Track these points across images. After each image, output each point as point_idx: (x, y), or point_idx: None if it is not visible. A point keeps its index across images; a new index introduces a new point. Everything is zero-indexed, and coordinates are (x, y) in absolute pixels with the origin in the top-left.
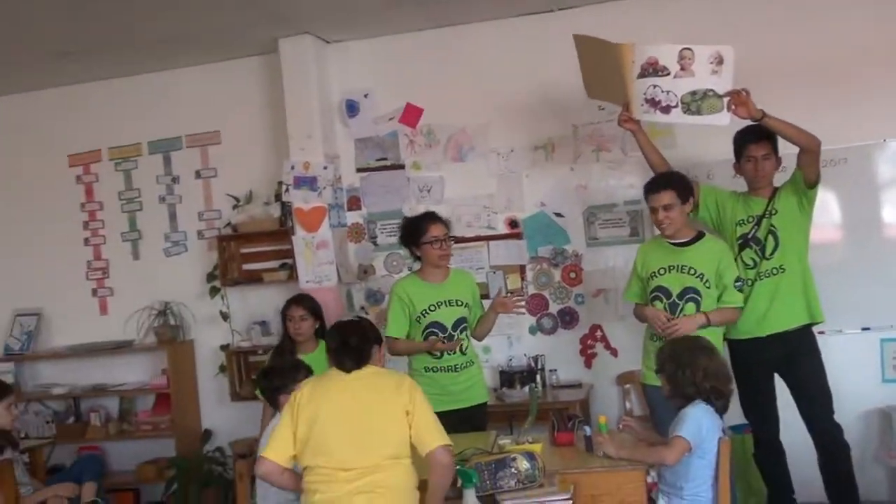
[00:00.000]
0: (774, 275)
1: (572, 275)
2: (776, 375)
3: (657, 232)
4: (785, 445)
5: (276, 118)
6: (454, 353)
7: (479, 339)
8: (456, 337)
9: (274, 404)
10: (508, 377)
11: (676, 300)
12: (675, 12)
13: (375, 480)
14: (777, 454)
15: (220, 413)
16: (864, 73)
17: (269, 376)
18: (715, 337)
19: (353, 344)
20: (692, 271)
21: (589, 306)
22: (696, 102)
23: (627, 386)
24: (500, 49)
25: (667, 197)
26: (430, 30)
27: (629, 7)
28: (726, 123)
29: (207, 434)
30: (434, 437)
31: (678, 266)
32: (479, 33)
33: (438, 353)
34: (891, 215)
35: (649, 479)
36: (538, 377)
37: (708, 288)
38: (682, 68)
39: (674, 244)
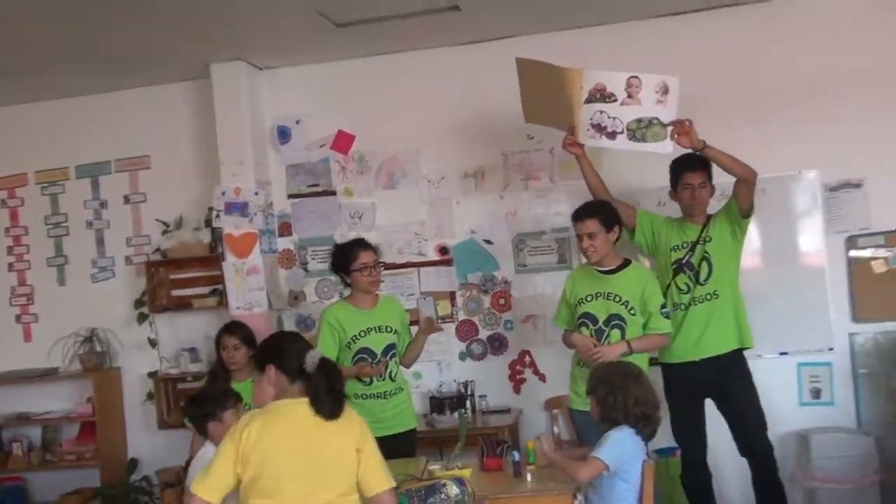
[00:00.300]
0: (708, 300)
1: (501, 301)
2: (707, 400)
3: (584, 259)
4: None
5: (207, 143)
6: (383, 379)
7: (408, 365)
8: (383, 362)
9: (202, 432)
10: (438, 403)
11: (602, 326)
12: (593, 43)
13: None
14: (705, 477)
15: (148, 441)
16: (781, 107)
17: (197, 403)
18: (640, 363)
19: (339, 390)
20: (617, 298)
21: (518, 332)
22: (641, 130)
23: (555, 411)
24: (431, 77)
25: (591, 225)
26: (362, 58)
27: (557, 39)
28: (669, 152)
29: (133, 463)
30: (382, 481)
31: (604, 293)
32: (411, 61)
33: (368, 380)
34: (806, 243)
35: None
36: (468, 403)
37: (633, 315)
38: (629, 96)
39: (601, 272)
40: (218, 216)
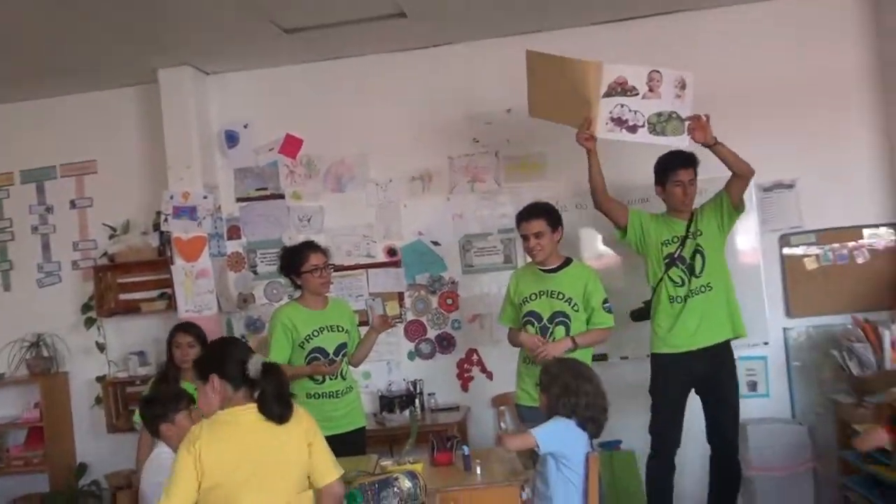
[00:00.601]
0: (703, 292)
1: (449, 301)
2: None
3: (529, 259)
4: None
5: (154, 148)
6: (335, 378)
7: (357, 364)
8: (337, 361)
9: (155, 433)
10: (388, 402)
11: (547, 324)
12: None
13: None
14: (670, 469)
15: (97, 446)
16: (717, 114)
17: (150, 404)
18: (584, 357)
19: (285, 393)
20: (561, 296)
21: (465, 331)
22: (661, 124)
23: (502, 407)
24: (378, 82)
25: (538, 225)
26: (310, 63)
27: (501, 44)
28: (685, 146)
29: (82, 468)
30: (332, 471)
31: (548, 291)
32: (359, 67)
33: (320, 379)
34: (742, 242)
35: (524, 496)
36: (417, 401)
37: (576, 311)
38: (651, 90)
39: (544, 271)
40: (166, 220)
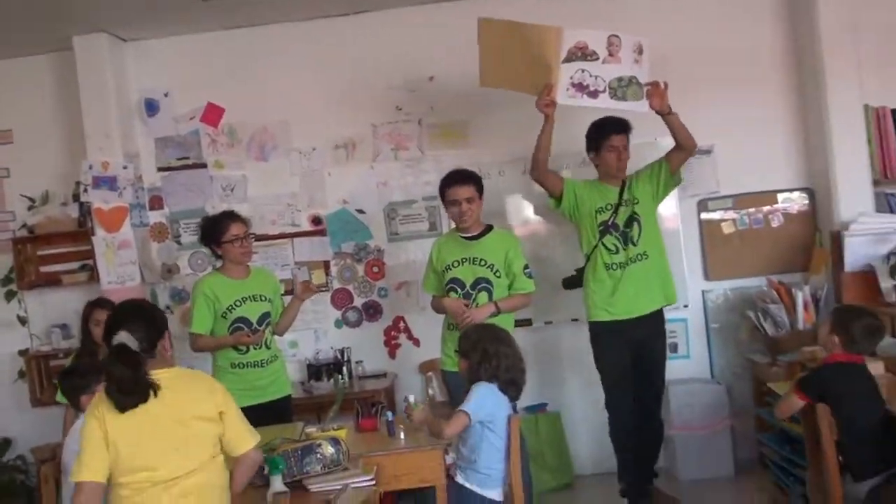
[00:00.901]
0: (640, 260)
1: (375, 269)
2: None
3: (453, 225)
4: (572, 419)
5: (71, 117)
6: (260, 347)
7: (281, 333)
8: (261, 330)
9: (76, 405)
10: (316, 370)
11: (470, 290)
12: (463, 14)
13: (195, 483)
14: (631, 434)
15: (21, 420)
16: (654, 76)
17: (70, 376)
18: (507, 322)
19: (129, 382)
20: (483, 262)
21: (392, 299)
22: (622, 88)
23: (430, 373)
24: (300, 49)
25: (469, 191)
26: (230, 29)
27: (418, 12)
28: (645, 111)
29: (7, 443)
30: (247, 439)
31: (470, 258)
32: (280, 33)
33: (244, 349)
34: (662, 207)
35: (448, 460)
36: (344, 369)
37: (498, 277)
38: (611, 54)
39: (465, 238)
40: (86, 191)
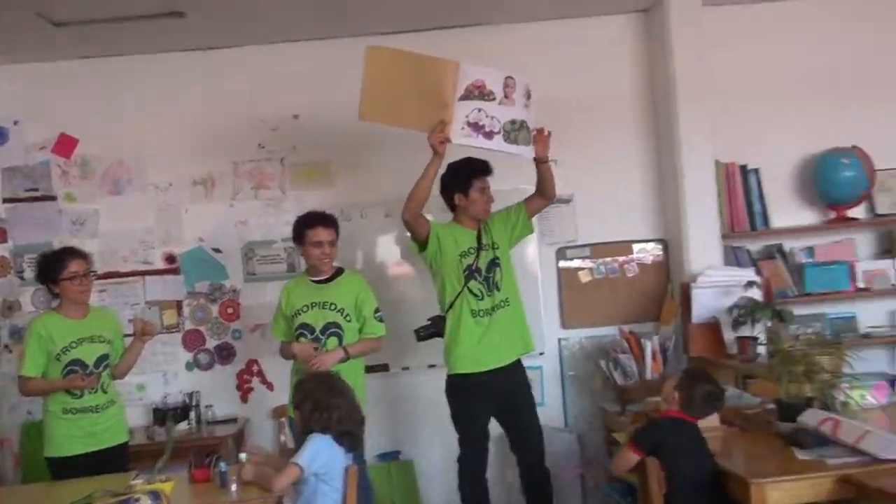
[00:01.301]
0: (504, 307)
1: (230, 310)
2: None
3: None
4: (426, 468)
5: None
6: (95, 391)
7: (121, 376)
8: (97, 373)
9: None
10: (162, 415)
11: (319, 335)
12: (326, 56)
13: None
14: (483, 487)
15: None
16: None
17: None
18: (356, 367)
19: None
20: (333, 306)
21: (246, 341)
22: (514, 132)
23: (283, 419)
24: (159, 82)
25: (331, 233)
26: (85, 59)
27: (285, 50)
28: (531, 157)
29: None
30: None
31: (320, 303)
32: (139, 65)
33: (79, 393)
34: (522, 254)
35: None
36: (192, 413)
37: (349, 321)
38: (506, 96)
39: (315, 281)
40: None
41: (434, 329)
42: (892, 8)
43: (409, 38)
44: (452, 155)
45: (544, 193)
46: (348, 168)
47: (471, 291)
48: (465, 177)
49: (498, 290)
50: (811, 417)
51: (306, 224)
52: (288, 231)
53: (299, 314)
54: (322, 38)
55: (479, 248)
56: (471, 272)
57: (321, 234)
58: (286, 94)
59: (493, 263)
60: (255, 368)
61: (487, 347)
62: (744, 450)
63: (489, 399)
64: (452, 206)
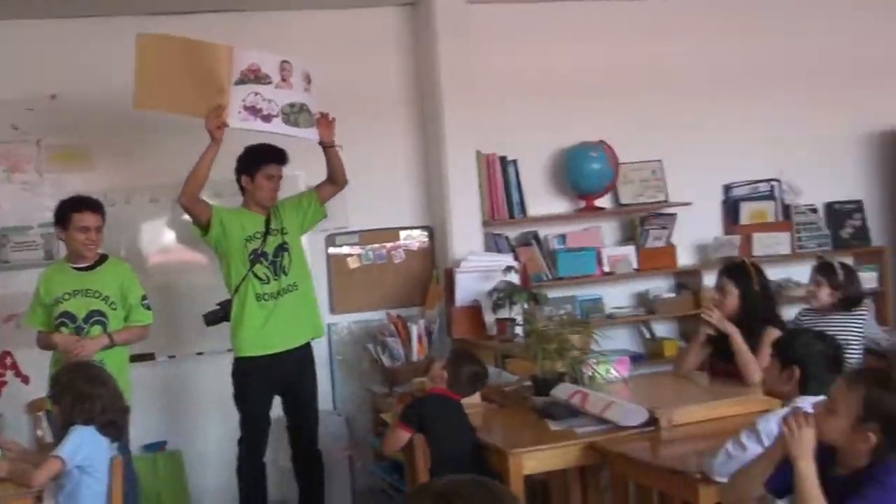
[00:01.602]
0: (291, 291)
1: None
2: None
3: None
4: (195, 458)
5: None
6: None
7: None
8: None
9: None
10: None
11: (82, 324)
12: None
13: None
14: (262, 467)
15: None
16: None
17: None
18: (120, 357)
19: None
20: (97, 294)
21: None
22: (294, 114)
23: (39, 413)
24: None
25: (99, 219)
26: None
27: (49, 26)
28: (316, 140)
29: None
30: None
31: (83, 290)
32: None
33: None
34: None
35: None
36: None
37: (114, 309)
38: (283, 79)
39: (77, 269)
40: None
41: (223, 314)
42: (635, 16)
43: (180, 21)
44: (241, 140)
45: (335, 179)
46: (111, 151)
47: (256, 275)
48: (255, 161)
49: (285, 274)
50: (562, 391)
51: (73, 207)
52: (46, 216)
53: (60, 302)
54: (84, 15)
55: (267, 232)
56: (256, 256)
57: (88, 218)
58: (42, 72)
59: (282, 248)
60: (8, 361)
61: (273, 331)
62: (502, 424)
63: (273, 382)
64: (242, 189)
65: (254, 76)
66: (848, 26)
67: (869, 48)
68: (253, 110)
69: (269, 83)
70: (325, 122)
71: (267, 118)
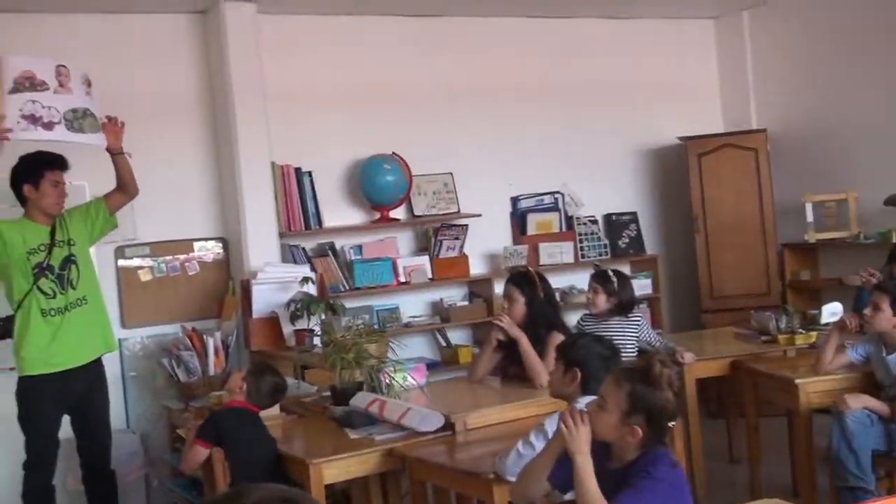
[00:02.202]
0: (80, 305)
1: None
2: None
3: None
4: None
5: None
6: None
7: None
8: None
9: None
10: None
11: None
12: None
13: None
14: (52, 496)
15: None
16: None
17: None
18: None
19: None
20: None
21: None
22: (78, 120)
23: None
24: None
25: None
26: None
27: None
28: (104, 146)
29: None
30: None
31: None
32: None
33: None
34: None
35: None
36: None
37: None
38: (61, 84)
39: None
40: None
41: (3, 331)
42: (427, 32)
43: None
44: (14, 151)
45: (124, 188)
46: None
47: (41, 290)
48: (38, 168)
49: (73, 288)
50: (361, 400)
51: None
52: None
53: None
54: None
55: (52, 244)
56: (41, 270)
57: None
58: None
59: (68, 261)
60: None
61: (60, 347)
62: (302, 434)
63: (62, 400)
64: (23, 200)
65: (29, 83)
66: (623, 50)
67: (640, 72)
68: (32, 119)
69: (47, 89)
70: (111, 128)
71: (48, 126)
